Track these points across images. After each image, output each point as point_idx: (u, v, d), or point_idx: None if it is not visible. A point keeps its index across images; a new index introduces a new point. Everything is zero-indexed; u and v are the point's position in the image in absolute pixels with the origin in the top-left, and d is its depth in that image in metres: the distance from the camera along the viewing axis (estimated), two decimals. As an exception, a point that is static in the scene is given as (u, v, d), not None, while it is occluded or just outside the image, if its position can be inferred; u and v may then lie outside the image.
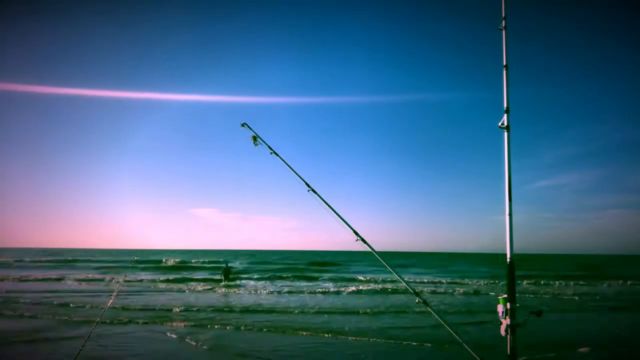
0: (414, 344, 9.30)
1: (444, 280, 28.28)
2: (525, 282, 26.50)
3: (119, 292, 6.33)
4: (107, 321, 11.23)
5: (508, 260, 3.71)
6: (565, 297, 19.46)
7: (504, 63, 3.23)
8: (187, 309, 14.13)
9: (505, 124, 3.35)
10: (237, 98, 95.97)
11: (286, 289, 21.46)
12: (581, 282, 27.37)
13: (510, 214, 3.69)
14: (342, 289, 21.55)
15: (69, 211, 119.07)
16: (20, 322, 11.71)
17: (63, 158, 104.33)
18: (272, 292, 20.14)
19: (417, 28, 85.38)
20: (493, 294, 19.54)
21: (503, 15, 3.19)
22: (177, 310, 13.91)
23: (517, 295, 3.46)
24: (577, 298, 19.11)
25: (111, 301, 5.72)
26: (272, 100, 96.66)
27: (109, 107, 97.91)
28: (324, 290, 21.10)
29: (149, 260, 47.47)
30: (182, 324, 11.43)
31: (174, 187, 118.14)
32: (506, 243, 3.72)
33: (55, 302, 15.46)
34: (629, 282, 27.35)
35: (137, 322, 11.58)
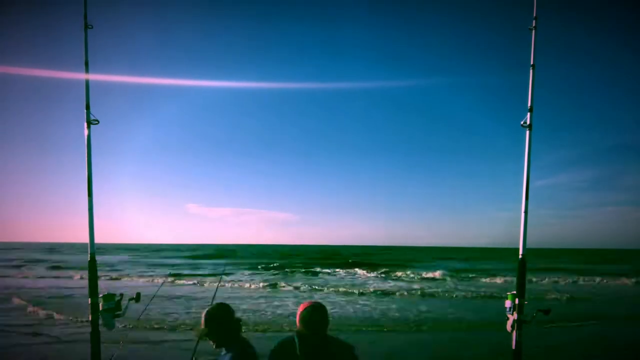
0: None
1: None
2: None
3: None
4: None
5: (520, 256, 3.77)
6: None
7: (532, 62, 3.24)
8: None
9: (528, 122, 3.37)
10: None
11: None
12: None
13: (525, 212, 3.73)
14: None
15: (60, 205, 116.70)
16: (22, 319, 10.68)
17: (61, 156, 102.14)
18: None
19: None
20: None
21: (534, 14, 3.18)
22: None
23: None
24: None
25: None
26: (268, 86, 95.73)
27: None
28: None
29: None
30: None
31: (170, 184, 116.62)
32: (519, 239, 3.77)
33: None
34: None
35: None
